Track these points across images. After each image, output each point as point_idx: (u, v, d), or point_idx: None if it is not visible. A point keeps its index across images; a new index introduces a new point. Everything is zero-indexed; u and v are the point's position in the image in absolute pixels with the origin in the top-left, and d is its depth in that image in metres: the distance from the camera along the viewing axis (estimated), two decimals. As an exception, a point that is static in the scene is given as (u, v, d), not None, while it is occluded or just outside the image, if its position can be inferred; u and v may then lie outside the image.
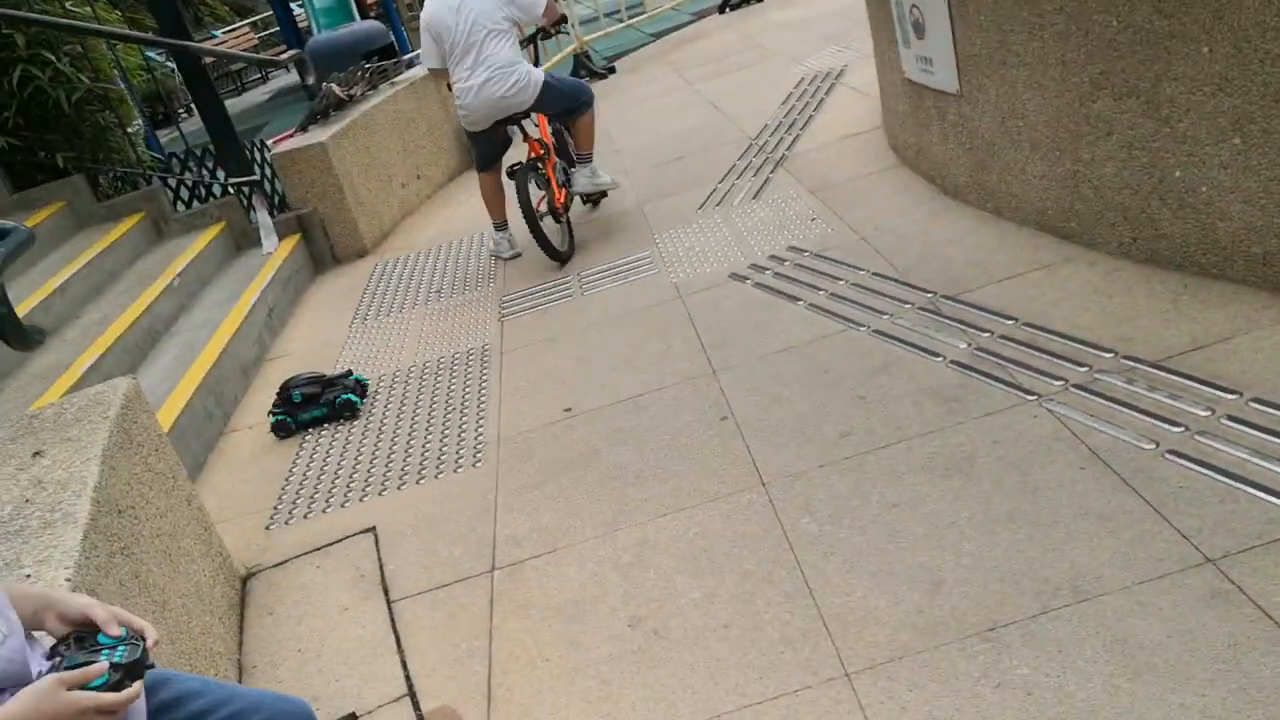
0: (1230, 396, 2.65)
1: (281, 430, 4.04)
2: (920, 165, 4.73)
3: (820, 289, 3.91)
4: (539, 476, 3.27)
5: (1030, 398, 2.89)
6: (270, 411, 4.10)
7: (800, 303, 3.86)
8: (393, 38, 10.19)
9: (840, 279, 3.95)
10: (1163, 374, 2.81)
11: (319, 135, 6.08)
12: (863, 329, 3.53)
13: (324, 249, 6.15)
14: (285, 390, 4.07)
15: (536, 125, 5.08)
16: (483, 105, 4.72)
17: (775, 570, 2.54)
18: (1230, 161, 3.02)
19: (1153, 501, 2.39)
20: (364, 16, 13.51)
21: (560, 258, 4.96)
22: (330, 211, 6.08)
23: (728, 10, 11.01)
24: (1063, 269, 3.52)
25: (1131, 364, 2.90)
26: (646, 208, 5.51)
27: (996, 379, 3.02)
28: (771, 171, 5.45)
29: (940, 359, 3.21)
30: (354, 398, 4.02)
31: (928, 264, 3.85)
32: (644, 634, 2.48)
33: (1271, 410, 2.56)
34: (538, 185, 4.86)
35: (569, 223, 5.16)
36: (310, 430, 4.04)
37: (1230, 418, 2.58)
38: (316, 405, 4.01)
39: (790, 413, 3.17)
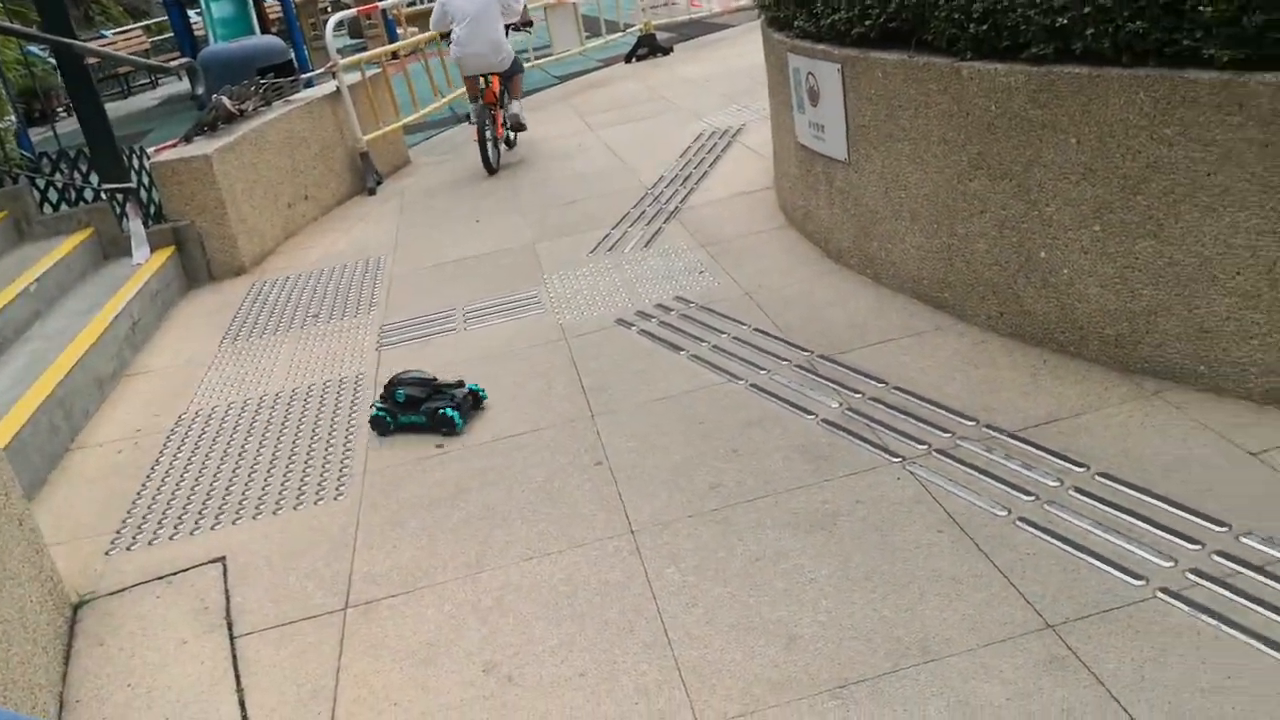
0: (1078, 469, 2.77)
1: (378, 427, 3.68)
2: (807, 227, 4.86)
3: (703, 341, 3.96)
4: (403, 513, 3.18)
5: (895, 459, 2.97)
6: (374, 404, 3.72)
7: (683, 353, 3.89)
8: (292, 55, 9.99)
9: (723, 332, 4.00)
10: (1019, 444, 2.93)
11: (204, 148, 5.89)
12: (740, 382, 3.57)
13: (199, 264, 5.92)
14: (391, 386, 3.70)
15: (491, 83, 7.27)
16: (472, 59, 7.16)
17: (636, 620, 2.52)
18: (1090, 247, 3.19)
19: (1002, 567, 2.46)
20: (265, 31, 13.23)
21: (491, 169, 7.29)
22: (209, 226, 5.87)
23: (634, 60, 11.20)
24: (934, 337, 3.64)
25: (991, 433, 3.01)
26: (539, 246, 5.50)
27: (864, 439, 3.09)
28: (664, 222, 5.51)
29: (813, 417, 3.27)
30: (455, 415, 3.56)
31: (808, 323, 3.94)
32: (498, 680, 2.42)
33: (1114, 484, 2.68)
34: (489, 120, 7.23)
35: (499, 151, 7.51)
36: (407, 433, 3.65)
37: (1077, 489, 2.69)
38: (416, 410, 3.61)
39: (664, 461, 3.17)
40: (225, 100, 6.41)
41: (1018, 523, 2.61)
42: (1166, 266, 3.01)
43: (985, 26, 3.31)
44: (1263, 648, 2.10)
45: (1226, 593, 2.26)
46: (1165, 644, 2.16)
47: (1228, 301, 2.90)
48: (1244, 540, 2.41)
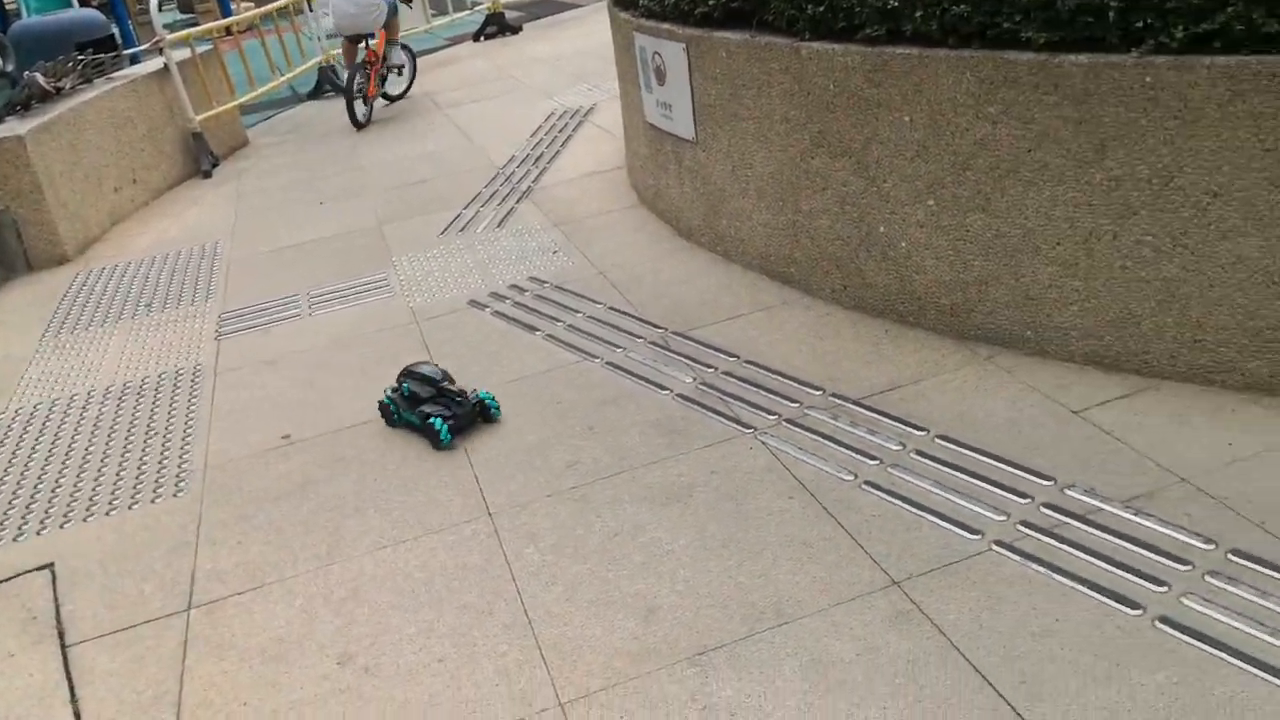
0: (919, 433, 2.90)
1: (385, 415, 3.37)
2: (658, 206, 4.90)
3: (558, 320, 3.94)
4: (248, 508, 3.05)
5: (747, 431, 3.03)
6: (386, 390, 3.39)
7: (538, 333, 3.86)
8: (115, 30, 9.38)
9: (578, 311, 3.99)
10: (863, 411, 3.04)
11: (16, 128, 5.47)
12: (596, 361, 3.58)
13: (15, 253, 5.50)
14: (402, 376, 3.36)
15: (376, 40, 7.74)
16: (347, 21, 7.53)
17: (495, 602, 2.50)
18: (925, 221, 3.33)
19: (849, 529, 2.56)
20: (84, 4, 12.38)
21: (359, 125, 7.69)
22: (25, 212, 5.46)
23: (482, 39, 11.02)
24: (782, 311, 3.74)
25: (837, 401, 3.11)
26: (387, 229, 5.35)
27: (717, 412, 3.15)
28: (517, 202, 5.45)
29: (667, 392, 3.31)
30: (443, 428, 3.13)
31: (661, 301, 3.97)
32: (354, 672, 2.35)
33: (952, 446, 2.82)
34: (363, 78, 7.63)
35: (372, 108, 7.98)
36: (407, 430, 3.33)
37: (918, 452, 2.82)
38: (413, 409, 3.26)
39: (520, 442, 3.15)
40: (39, 77, 5.97)
41: (863, 486, 2.71)
42: (995, 239, 3.17)
43: (822, 8, 3.40)
44: (1086, 591, 2.25)
45: (1053, 542, 2.41)
46: (1000, 593, 2.28)
47: (1050, 270, 3.08)
48: (1068, 492, 2.57)
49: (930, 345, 3.35)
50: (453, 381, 3.33)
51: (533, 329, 3.90)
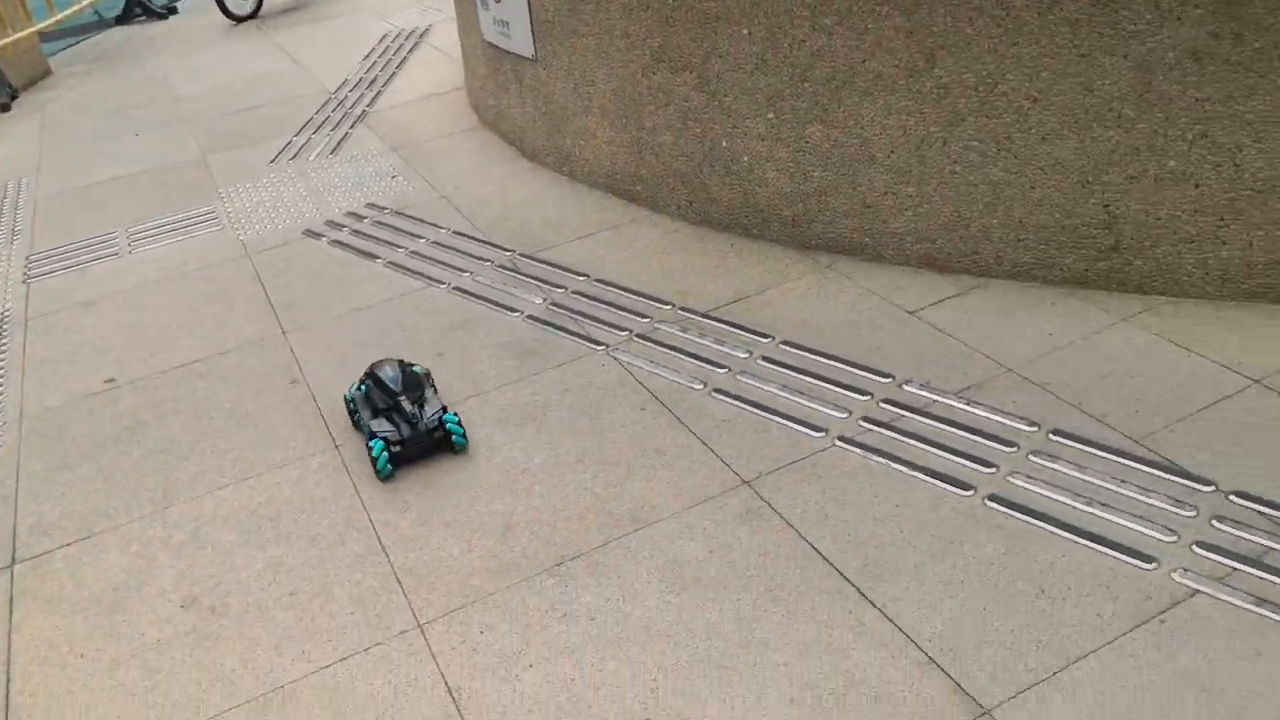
0: (765, 340, 2.96)
1: (349, 412, 2.82)
2: (500, 127, 4.78)
3: (400, 247, 3.81)
4: (72, 456, 2.86)
5: (599, 348, 3.03)
6: (354, 383, 2.82)
7: (379, 260, 3.73)
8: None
9: (420, 237, 3.87)
10: (712, 322, 3.08)
11: None
12: (442, 286, 3.49)
13: None
14: (368, 374, 2.77)
15: None
16: None
17: (347, 532, 2.43)
18: (766, 134, 3.36)
19: (700, 435, 2.60)
20: None
21: (235, 18, 7.85)
22: None
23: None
24: (630, 229, 3.72)
25: (686, 314, 3.14)
26: (211, 159, 5.04)
27: (569, 332, 3.13)
28: (351, 127, 5.22)
29: (517, 314, 3.26)
30: (381, 456, 2.54)
31: (507, 223, 3.90)
32: (199, 613, 2.26)
33: (796, 351, 2.89)
34: None
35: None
36: None
37: (765, 358, 2.88)
38: (369, 418, 2.67)
39: (366, 371, 3.05)
40: None
41: (713, 394, 2.76)
42: (833, 149, 3.23)
43: (656, -86, 3.34)
44: (923, 477, 2.37)
45: (893, 434, 2.52)
46: (844, 485, 2.37)
47: (885, 178, 3.17)
48: (906, 388, 2.68)
49: (774, 256, 3.40)
50: (420, 388, 2.68)
51: (373, 257, 3.77)
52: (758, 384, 2.77)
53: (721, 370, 2.85)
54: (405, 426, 2.58)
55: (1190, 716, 1.76)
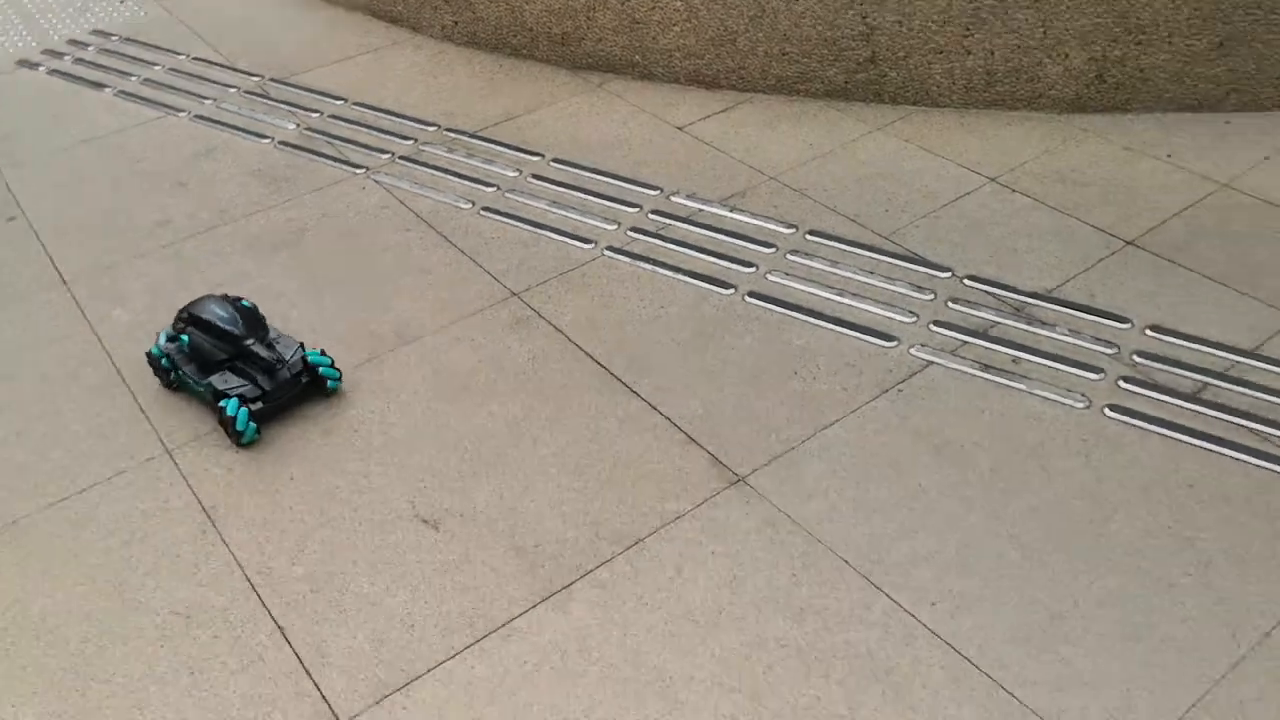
0: (534, 159, 2.90)
1: (155, 370, 2.18)
2: (244, -52, 4.35)
3: (132, 75, 3.45)
4: None
5: (359, 171, 2.88)
6: (160, 332, 2.18)
7: (108, 90, 3.37)
8: None
9: (156, 64, 3.52)
10: (479, 143, 2.98)
11: None
12: (183, 115, 3.20)
13: None
14: (182, 319, 2.15)
15: None
16: None
17: (82, 368, 2.26)
18: (528, -55, 3.20)
19: (469, 252, 2.54)
20: None
21: None
22: None
23: None
24: (391, 52, 3.52)
25: (453, 135, 3.02)
26: (-103, -14, 4.35)
27: (325, 156, 2.96)
28: (69, -50, 4.61)
29: (268, 140, 3.04)
30: (242, 416, 2.01)
31: (257, 48, 3.59)
32: (-85, 464, 2.06)
33: (566, 168, 2.85)
34: None
35: None
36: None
37: (534, 176, 2.83)
38: (201, 375, 2.09)
39: (97, 207, 2.79)
40: None
41: (482, 212, 2.69)
42: (596, -41, 3.12)
43: None
44: (688, 280, 2.42)
45: (660, 242, 2.55)
46: (612, 291, 2.39)
47: (649, -10, 3.10)
48: (673, 199, 2.71)
49: (544, 76, 3.31)
50: (264, 325, 2.15)
51: (101, 86, 3.40)
52: (527, 201, 2.73)
53: (490, 189, 2.78)
54: (264, 377, 2.05)
55: (923, 465, 1.93)
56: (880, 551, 1.77)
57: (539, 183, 2.80)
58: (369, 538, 1.84)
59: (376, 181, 2.83)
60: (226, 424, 2.01)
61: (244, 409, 2.00)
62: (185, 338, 2.12)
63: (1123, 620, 1.63)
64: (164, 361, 2.15)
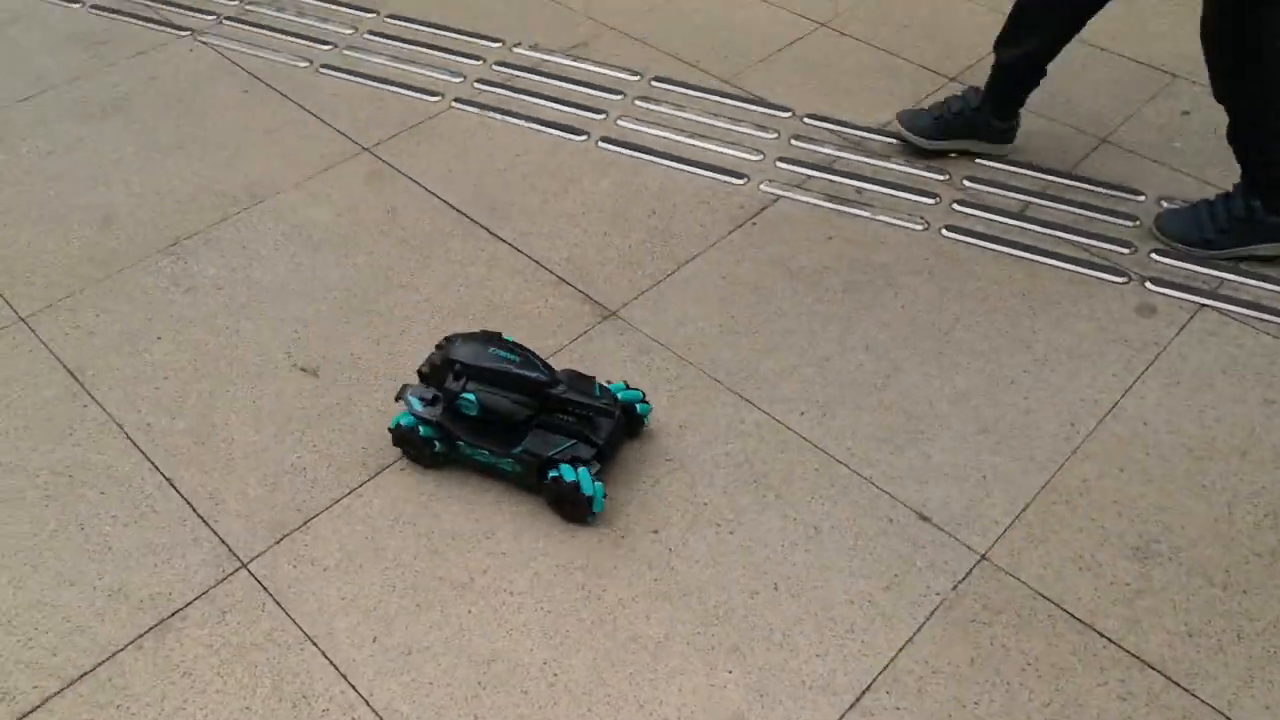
0: (370, 15, 2.81)
1: (404, 446, 1.71)
2: None
3: (-100, -64, 3.09)
4: None
5: (184, 33, 2.72)
6: (406, 395, 1.68)
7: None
8: None
9: (-73, -77, 3.16)
10: (311, 2, 2.85)
11: None
12: (-30, -22, 2.91)
13: None
14: (448, 368, 1.62)
15: None
16: None
17: (-98, 246, 2.10)
18: None
19: (313, 109, 2.47)
20: None
21: None
22: None
23: None
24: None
25: (279, -7, 2.88)
26: None
27: (145, 19, 2.77)
28: None
29: (79, 4, 2.82)
30: (592, 486, 1.58)
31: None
32: None
33: (404, 23, 2.78)
34: None
35: None
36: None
37: (372, 32, 2.74)
38: (498, 442, 1.62)
39: (-113, 77, 2.54)
40: None
41: (321, 70, 2.60)
42: None
43: None
44: (541, 129, 2.44)
45: (508, 93, 2.54)
46: (465, 142, 2.39)
47: None
48: (517, 50, 2.69)
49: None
50: (547, 364, 1.66)
51: None
52: (367, 57, 2.65)
53: (327, 47, 2.69)
54: (584, 428, 1.62)
55: (781, 290, 2.05)
56: (748, 369, 1.89)
57: (377, 39, 2.72)
58: (248, 389, 1.83)
59: (204, 43, 2.69)
60: (569, 497, 1.58)
61: (585, 472, 1.58)
62: (470, 396, 1.59)
63: (973, 417, 1.81)
64: (426, 432, 1.65)
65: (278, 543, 1.60)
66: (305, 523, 1.63)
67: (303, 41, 2.70)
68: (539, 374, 1.61)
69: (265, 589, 1.54)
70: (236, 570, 1.57)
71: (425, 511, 1.65)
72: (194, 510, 1.64)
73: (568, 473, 1.57)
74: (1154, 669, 1.45)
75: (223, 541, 1.60)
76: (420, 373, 1.65)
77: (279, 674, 1.44)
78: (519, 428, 1.62)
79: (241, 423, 1.77)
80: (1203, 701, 1.42)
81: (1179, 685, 1.44)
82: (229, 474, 1.70)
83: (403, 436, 1.68)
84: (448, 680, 1.44)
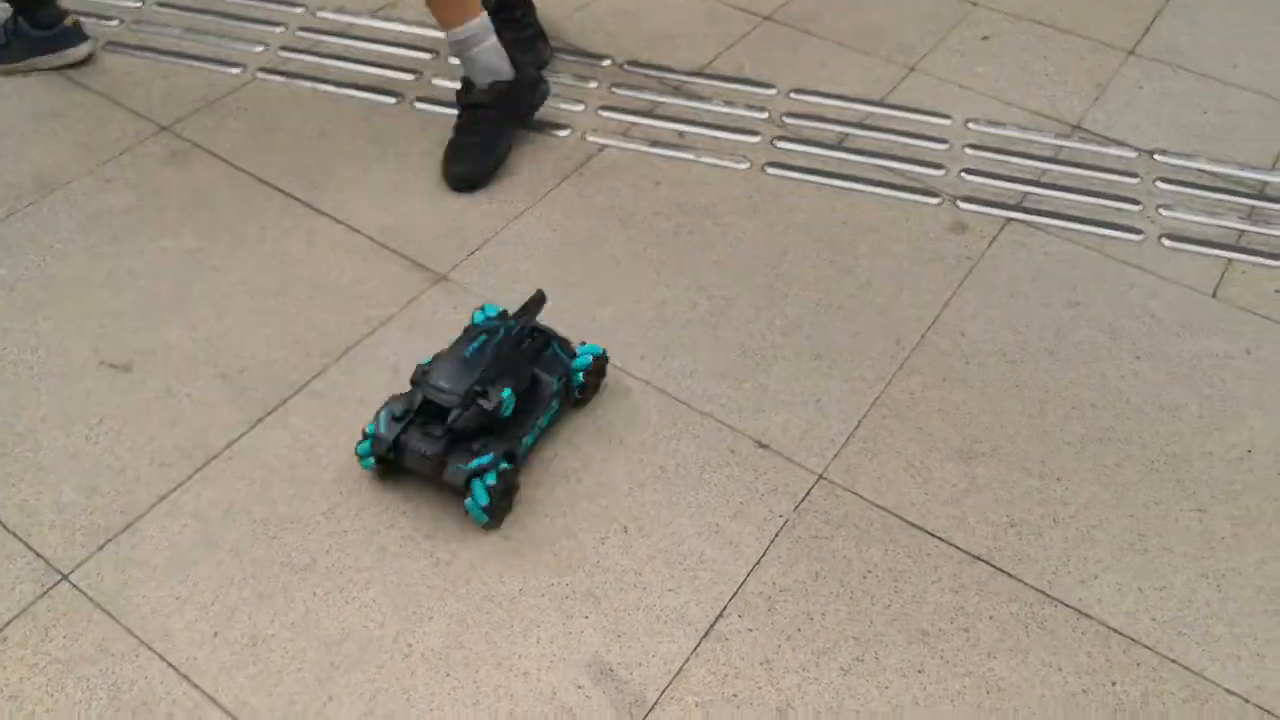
0: (158, -14, 2.64)
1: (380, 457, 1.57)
2: None
3: None
4: None
5: (-55, 17, 2.49)
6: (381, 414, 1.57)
7: None
8: None
9: None
10: (89, -26, 2.66)
11: None
12: None
13: None
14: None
15: None
16: None
17: None
18: None
19: (102, 91, 2.32)
20: None
21: None
22: None
23: None
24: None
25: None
26: None
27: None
28: None
29: None
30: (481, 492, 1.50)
31: None
32: None
33: (198, -7, 2.63)
34: None
35: None
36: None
37: (161, 4, 2.58)
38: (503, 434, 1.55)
39: None
40: None
41: (108, 48, 2.44)
42: None
43: None
44: (353, 92, 2.36)
45: (316, 59, 2.44)
46: (273, 113, 2.28)
47: None
48: (320, 14, 2.58)
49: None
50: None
51: None
52: (158, 31, 2.50)
53: (112, 23, 2.52)
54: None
55: (612, 238, 2.05)
56: (586, 319, 1.88)
57: (166, 10, 2.57)
58: (54, 392, 1.71)
59: (-30, 27, 2.47)
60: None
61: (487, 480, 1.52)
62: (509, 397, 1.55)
63: (804, 344, 1.85)
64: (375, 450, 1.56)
65: (100, 549, 1.52)
66: (129, 525, 1.55)
67: (85, 20, 2.51)
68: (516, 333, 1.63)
69: (90, 599, 1.46)
70: (58, 583, 1.47)
71: (259, 498, 1.59)
72: (3, 526, 1.53)
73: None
74: (981, 560, 1.54)
75: (39, 555, 1.50)
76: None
77: (115, 684, 1.37)
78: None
79: (50, 428, 1.66)
80: (1027, 585, 1.51)
81: (1005, 572, 1.52)
82: (40, 483, 1.59)
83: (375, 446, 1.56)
84: (298, 666, 1.39)
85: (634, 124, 2.32)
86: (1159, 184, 2.23)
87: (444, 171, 2.14)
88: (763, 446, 1.68)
